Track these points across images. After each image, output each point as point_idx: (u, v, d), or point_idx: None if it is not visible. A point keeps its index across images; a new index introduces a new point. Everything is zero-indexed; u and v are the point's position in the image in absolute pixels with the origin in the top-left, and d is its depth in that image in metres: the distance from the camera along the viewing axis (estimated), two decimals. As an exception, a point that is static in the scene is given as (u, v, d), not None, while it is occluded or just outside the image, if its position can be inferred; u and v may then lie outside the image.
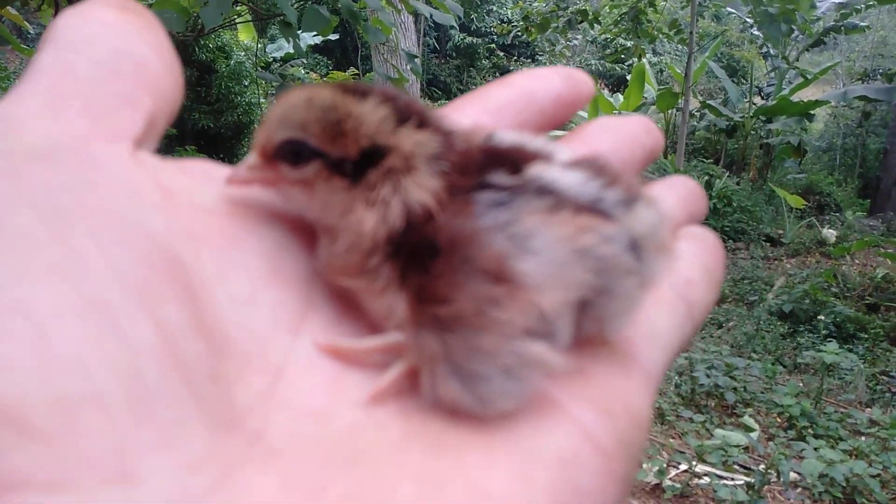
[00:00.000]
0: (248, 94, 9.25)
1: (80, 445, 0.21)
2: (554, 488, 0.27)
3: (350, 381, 0.30)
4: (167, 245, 0.27)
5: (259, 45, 6.38)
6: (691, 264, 0.43)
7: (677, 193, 0.47)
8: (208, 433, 0.24)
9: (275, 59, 10.35)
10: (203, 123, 8.86)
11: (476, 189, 0.31)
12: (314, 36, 8.30)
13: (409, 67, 3.67)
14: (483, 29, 17.80)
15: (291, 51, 9.86)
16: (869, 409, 4.25)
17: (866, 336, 5.83)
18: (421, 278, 0.30)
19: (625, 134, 0.46)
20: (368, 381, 0.30)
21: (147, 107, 0.31)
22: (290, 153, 0.33)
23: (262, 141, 0.34)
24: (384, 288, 0.31)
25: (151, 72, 0.32)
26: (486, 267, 0.29)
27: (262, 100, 9.16)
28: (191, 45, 7.02)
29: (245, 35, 6.95)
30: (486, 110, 0.43)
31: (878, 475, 3.26)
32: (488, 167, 0.32)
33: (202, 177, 0.33)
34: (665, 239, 0.34)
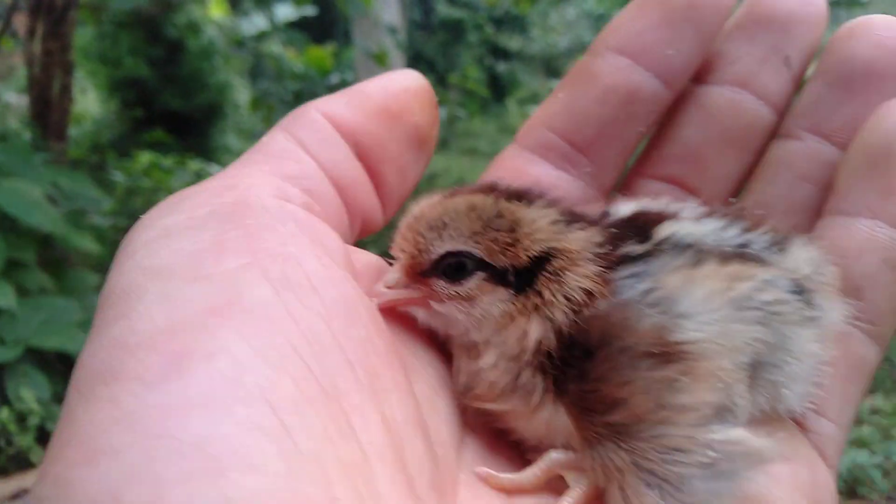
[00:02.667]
0: (219, 73, 8.94)
1: None
2: None
3: None
4: (387, 330, 0.26)
5: (231, 21, 6.09)
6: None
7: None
8: None
9: (249, 36, 10.03)
10: (173, 105, 8.54)
11: (614, 267, 0.29)
12: (292, 10, 8.02)
13: (391, 42, 3.44)
14: (471, 2, 17.48)
15: (265, 27, 9.54)
16: (871, 396, 4.22)
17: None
18: (581, 385, 0.27)
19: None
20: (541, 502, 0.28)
21: (343, 231, 0.32)
22: (451, 267, 0.32)
23: (411, 255, 0.32)
24: (538, 404, 0.29)
25: (359, 194, 0.33)
26: (645, 348, 0.26)
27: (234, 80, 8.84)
28: (160, 21, 6.73)
29: (217, 9, 6.63)
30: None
31: (880, 464, 3.20)
32: (620, 241, 0.30)
33: (373, 270, 0.34)
34: (833, 279, 0.32)
